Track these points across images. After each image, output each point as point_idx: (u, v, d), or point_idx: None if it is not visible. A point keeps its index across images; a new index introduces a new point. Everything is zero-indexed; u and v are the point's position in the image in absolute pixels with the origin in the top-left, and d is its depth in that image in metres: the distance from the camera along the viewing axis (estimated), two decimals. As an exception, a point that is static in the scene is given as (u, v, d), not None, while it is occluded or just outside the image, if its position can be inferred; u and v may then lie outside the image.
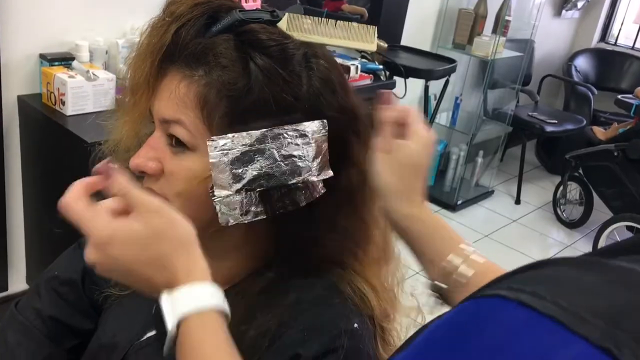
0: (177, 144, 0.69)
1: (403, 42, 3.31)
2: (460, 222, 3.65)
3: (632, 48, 5.07)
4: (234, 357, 0.59)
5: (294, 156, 0.68)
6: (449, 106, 3.92)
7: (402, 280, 0.82)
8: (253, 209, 0.69)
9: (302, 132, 0.68)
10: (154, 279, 0.60)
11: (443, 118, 3.96)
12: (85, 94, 1.90)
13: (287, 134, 0.67)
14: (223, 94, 0.66)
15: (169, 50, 0.67)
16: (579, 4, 4.82)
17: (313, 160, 0.69)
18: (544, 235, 3.81)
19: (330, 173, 0.71)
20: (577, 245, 3.71)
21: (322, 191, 0.71)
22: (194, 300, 0.59)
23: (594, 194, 3.70)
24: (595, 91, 4.47)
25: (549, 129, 4.08)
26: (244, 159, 0.67)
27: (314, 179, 0.69)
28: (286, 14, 0.72)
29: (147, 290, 0.62)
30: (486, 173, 4.15)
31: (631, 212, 3.32)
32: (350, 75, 2.49)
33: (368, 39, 0.81)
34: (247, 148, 0.66)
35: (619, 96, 3.66)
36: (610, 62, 4.93)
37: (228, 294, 0.75)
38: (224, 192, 0.67)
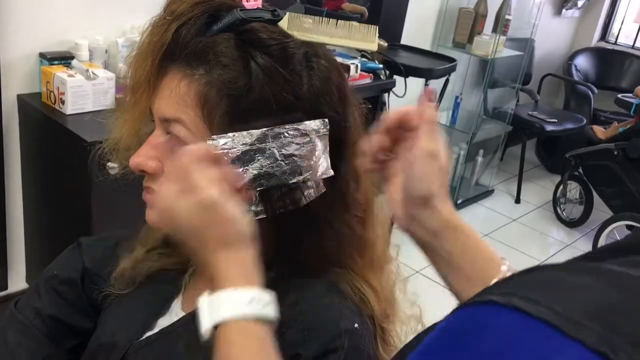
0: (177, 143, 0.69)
1: (403, 41, 3.30)
2: (460, 221, 3.65)
3: (632, 47, 5.07)
4: None
5: (295, 155, 0.68)
6: (449, 105, 3.92)
7: (404, 281, 0.82)
8: (253, 208, 0.68)
9: (303, 131, 0.68)
10: (202, 265, 0.64)
11: (443, 117, 3.95)
12: (85, 93, 1.90)
13: (287, 133, 0.67)
14: (223, 92, 0.66)
15: (170, 49, 0.67)
16: (579, 3, 4.82)
17: (314, 160, 0.69)
18: (544, 235, 3.81)
19: (331, 172, 0.70)
20: (577, 244, 3.71)
21: (323, 190, 0.70)
22: (226, 308, 0.59)
23: (594, 193, 3.70)
24: (596, 90, 4.47)
25: (549, 128, 4.08)
26: (244, 158, 0.66)
27: (315, 178, 0.69)
28: (287, 13, 0.72)
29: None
30: (486, 172, 4.14)
31: (631, 211, 3.32)
32: (350, 74, 2.49)
33: (369, 39, 0.80)
34: (248, 147, 0.66)
35: (619, 95, 3.66)
36: (610, 61, 4.93)
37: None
38: None
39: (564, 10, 4.75)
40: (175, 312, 0.81)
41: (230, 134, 0.66)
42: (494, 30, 3.58)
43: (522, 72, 4.00)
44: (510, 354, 0.32)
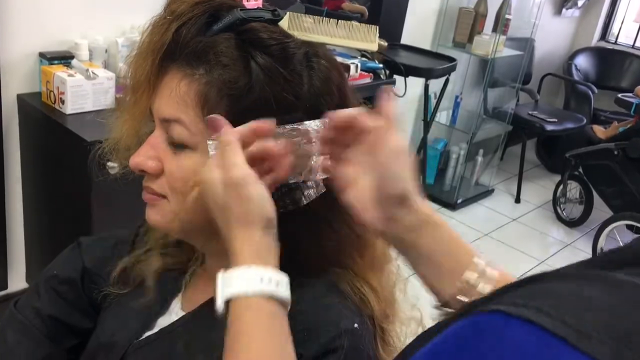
0: (177, 143, 0.69)
1: (403, 41, 3.30)
2: (460, 221, 3.65)
3: (633, 47, 5.07)
4: (276, 346, 0.59)
5: (295, 155, 0.68)
6: (449, 105, 3.92)
7: (404, 282, 0.82)
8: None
9: (303, 131, 0.68)
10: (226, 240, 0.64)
11: (443, 117, 3.95)
12: (85, 92, 1.90)
13: (288, 133, 0.67)
14: (224, 92, 0.66)
15: (170, 48, 0.67)
16: (580, 3, 4.82)
17: (314, 160, 0.69)
18: (544, 234, 3.81)
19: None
20: (577, 243, 3.71)
21: (323, 190, 0.70)
22: (237, 285, 0.60)
23: (594, 193, 3.70)
24: (596, 90, 4.47)
25: (549, 127, 4.08)
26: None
27: (315, 178, 0.69)
28: (287, 13, 0.72)
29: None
30: (486, 172, 4.14)
31: (631, 210, 3.32)
32: (350, 74, 2.49)
33: (369, 39, 0.80)
34: None
35: (619, 95, 3.66)
36: (610, 60, 4.93)
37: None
38: None
39: (564, 10, 4.75)
40: (175, 312, 0.81)
41: None
42: (494, 29, 3.58)
43: (522, 72, 4.00)
44: None
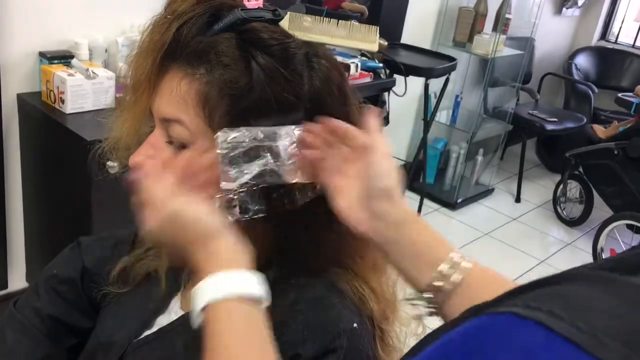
0: (177, 143, 0.69)
1: (403, 40, 3.30)
2: (460, 221, 3.65)
3: (633, 46, 5.07)
4: (253, 345, 0.60)
5: (297, 155, 0.68)
6: (449, 104, 3.92)
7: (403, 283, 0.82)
8: (252, 207, 0.68)
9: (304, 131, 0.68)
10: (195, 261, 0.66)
11: (443, 116, 3.95)
12: (85, 92, 1.90)
13: (289, 133, 0.67)
14: (224, 92, 0.66)
15: (171, 48, 0.67)
16: (580, 2, 4.82)
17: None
18: (544, 234, 3.81)
19: (330, 172, 0.70)
20: (577, 243, 3.71)
21: (320, 192, 0.70)
22: (206, 293, 0.61)
23: (594, 192, 3.70)
24: (596, 89, 4.46)
25: (549, 127, 4.08)
26: (251, 153, 0.66)
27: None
28: (288, 13, 0.72)
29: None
30: (486, 171, 4.14)
31: (631, 210, 3.32)
32: (350, 73, 2.49)
33: (370, 39, 0.81)
34: (257, 143, 0.66)
35: (620, 94, 3.66)
36: (610, 60, 4.92)
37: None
38: (229, 185, 0.67)
39: (564, 9, 4.75)
40: (174, 311, 0.81)
41: (242, 128, 0.66)
42: (494, 29, 3.58)
43: (522, 71, 4.00)
44: None
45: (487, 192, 4.10)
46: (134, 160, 0.70)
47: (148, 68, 0.68)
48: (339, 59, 2.41)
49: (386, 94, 2.85)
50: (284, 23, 0.73)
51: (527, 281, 0.38)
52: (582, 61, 4.80)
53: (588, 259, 3.48)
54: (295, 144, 0.67)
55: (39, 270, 0.96)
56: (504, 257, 3.35)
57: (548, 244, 3.72)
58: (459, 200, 3.82)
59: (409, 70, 2.80)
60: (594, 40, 5.13)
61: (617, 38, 5.17)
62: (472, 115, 3.93)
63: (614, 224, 3.34)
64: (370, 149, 0.68)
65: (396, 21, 3.25)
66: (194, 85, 0.67)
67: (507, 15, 3.54)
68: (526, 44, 3.94)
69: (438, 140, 3.91)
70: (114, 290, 0.85)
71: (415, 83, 3.21)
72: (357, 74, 2.56)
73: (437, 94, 3.37)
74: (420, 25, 3.49)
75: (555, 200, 3.96)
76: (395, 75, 2.85)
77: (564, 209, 3.93)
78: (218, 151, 0.66)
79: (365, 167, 0.68)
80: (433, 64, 3.04)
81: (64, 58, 1.97)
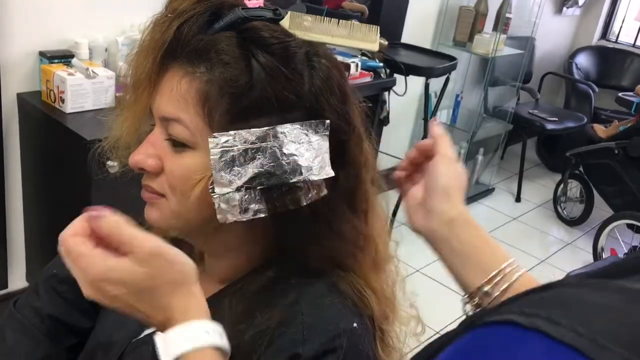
0: (177, 142, 0.69)
1: (403, 40, 3.30)
2: (460, 220, 3.64)
3: (633, 46, 5.07)
4: None
5: (295, 155, 0.67)
6: (449, 104, 3.92)
7: (402, 282, 0.82)
8: (252, 206, 0.68)
9: (304, 131, 0.67)
10: (152, 318, 0.62)
11: (443, 116, 3.95)
12: (85, 91, 1.90)
13: (288, 132, 0.67)
14: (225, 91, 0.66)
15: (171, 46, 0.67)
16: (580, 1, 4.82)
17: (314, 159, 0.69)
18: (545, 233, 3.81)
19: (331, 172, 0.70)
20: (578, 243, 3.71)
21: (325, 191, 0.70)
22: (187, 340, 0.59)
23: (595, 192, 3.70)
24: (596, 89, 4.46)
25: (549, 126, 4.08)
26: (245, 156, 0.66)
27: (315, 178, 0.69)
28: (289, 12, 0.72)
29: (147, 324, 0.64)
30: (486, 171, 4.14)
31: (632, 209, 3.32)
32: (350, 72, 2.49)
33: (370, 39, 0.81)
34: (249, 146, 0.66)
35: (620, 94, 3.66)
36: (611, 59, 4.93)
37: (227, 292, 0.75)
38: (224, 190, 0.67)
39: (564, 9, 4.75)
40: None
41: (232, 132, 0.66)
42: (495, 28, 3.58)
43: (522, 71, 4.00)
44: None
45: (488, 191, 4.10)
46: (133, 159, 0.70)
47: (148, 67, 0.68)
48: (340, 58, 2.41)
49: (386, 93, 2.85)
50: (285, 22, 0.73)
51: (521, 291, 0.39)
52: (583, 60, 4.80)
53: (588, 258, 3.48)
54: (291, 143, 0.67)
55: (39, 270, 0.96)
56: (504, 256, 3.34)
57: (548, 244, 3.72)
58: (459, 200, 3.81)
59: (409, 70, 2.80)
60: (595, 39, 5.13)
61: (617, 37, 5.17)
62: (472, 114, 3.93)
63: (615, 223, 3.34)
64: (435, 153, 0.74)
65: (396, 21, 3.25)
66: (194, 84, 0.66)
67: (507, 15, 3.54)
68: (526, 43, 3.94)
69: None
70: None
71: (416, 82, 3.21)
72: (357, 74, 2.56)
73: (438, 94, 3.37)
74: (420, 24, 3.49)
75: (555, 200, 3.96)
76: (395, 75, 2.85)
77: (564, 208, 3.93)
78: (211, 157, 0.66)
79: (429, 168, 0.74)
80: (433, 64, 3.04)
81: (64, 57, 1.97)
